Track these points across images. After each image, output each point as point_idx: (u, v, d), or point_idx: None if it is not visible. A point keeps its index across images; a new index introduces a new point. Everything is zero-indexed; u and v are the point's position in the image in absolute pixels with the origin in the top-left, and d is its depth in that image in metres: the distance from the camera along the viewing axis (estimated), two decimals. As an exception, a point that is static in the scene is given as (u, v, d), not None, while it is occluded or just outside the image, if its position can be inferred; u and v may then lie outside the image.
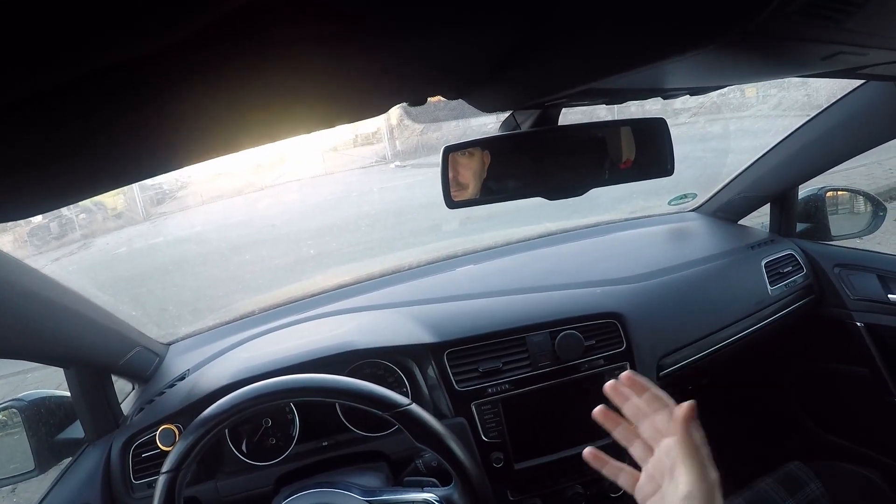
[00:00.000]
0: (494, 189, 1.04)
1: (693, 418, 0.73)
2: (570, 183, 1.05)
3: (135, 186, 10.55)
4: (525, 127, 1.03)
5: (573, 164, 1.04)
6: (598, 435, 1.60)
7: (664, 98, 0.95)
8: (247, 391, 1.10)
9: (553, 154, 1.03)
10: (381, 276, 2.07)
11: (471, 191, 1.02)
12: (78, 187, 0.67)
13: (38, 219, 8.39)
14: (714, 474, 0.71)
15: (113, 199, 10.43)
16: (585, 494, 1.63)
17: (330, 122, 0.75)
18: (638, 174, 1.08)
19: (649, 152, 1.07)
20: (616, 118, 1.08)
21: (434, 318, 1.67)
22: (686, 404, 0.73)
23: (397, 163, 10.84)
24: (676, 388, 1.75)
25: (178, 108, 0.51)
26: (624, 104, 1.02)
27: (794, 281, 1.95)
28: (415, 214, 6.51)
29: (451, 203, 1.02)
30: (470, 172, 1.02)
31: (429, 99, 0.78)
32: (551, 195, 1.04)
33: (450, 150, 1.00)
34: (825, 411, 2.16)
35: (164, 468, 1.08)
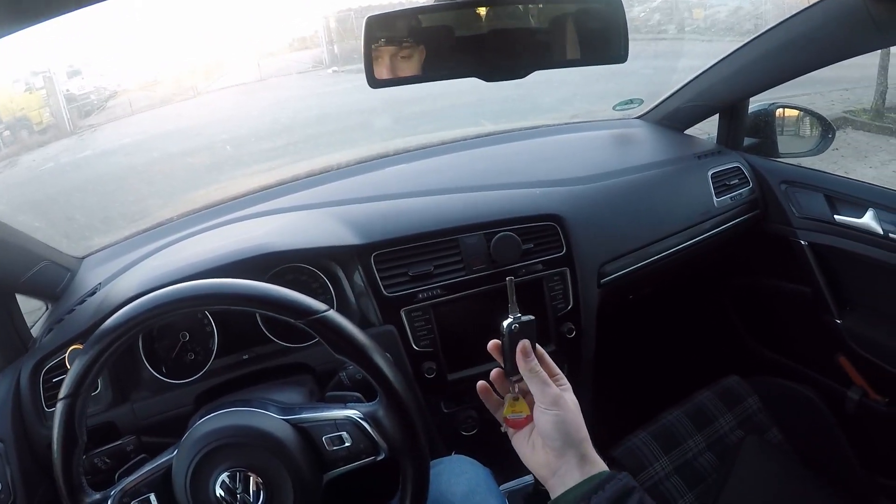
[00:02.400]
0: (423, 66, 0.93)
1: (527, 353, 0.85)
2: (511, 62, 0.94)
3: (60, 98, 10.11)
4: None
5: (516, 41, 0.94)
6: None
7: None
8: (142, 303, 0.98)
9: (494, 29, 0.92)
10: (307, 176, 1.94)
11: (397, 68, 0.92)
12: None
13: None
14: (555, 389, 0.83)
15: (38, 113, 9.99)
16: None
17: None
18: (588, 58, 0.99)
19: (602, 36, 0.98)
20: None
21: (360, 218, 1.56)
22: (522, 344, 0.86)
23: (334, 68, 10.56)
24: (616, 296, 1.70)
25: None
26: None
27: (739, 194, 1.90)
28: (348, 120, 6.37)
29: (374, 81, 0.92)
30: (409, 52, 0.93)
31: None
32: (490, 75, 0.94)
33: (373, 22, 0.90)
34: (764, 327, 2.17)
35: (61, 394, 0.97)
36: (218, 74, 11.70)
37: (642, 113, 2.22)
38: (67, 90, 10.59)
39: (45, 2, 0.56)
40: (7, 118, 9.58)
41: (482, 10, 0.91)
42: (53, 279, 1.54)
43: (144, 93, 11.43)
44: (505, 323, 0.87)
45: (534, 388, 0.84)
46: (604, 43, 0.97)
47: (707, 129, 2.16)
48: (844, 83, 7.01)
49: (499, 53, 0.93)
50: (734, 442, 1.73)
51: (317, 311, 0.98)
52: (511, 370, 0.88)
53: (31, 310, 1.50)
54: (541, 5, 0.95)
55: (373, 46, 0.90)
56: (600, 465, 0.81)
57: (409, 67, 0.93)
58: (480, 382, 0.93)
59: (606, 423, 1.79)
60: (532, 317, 0.87)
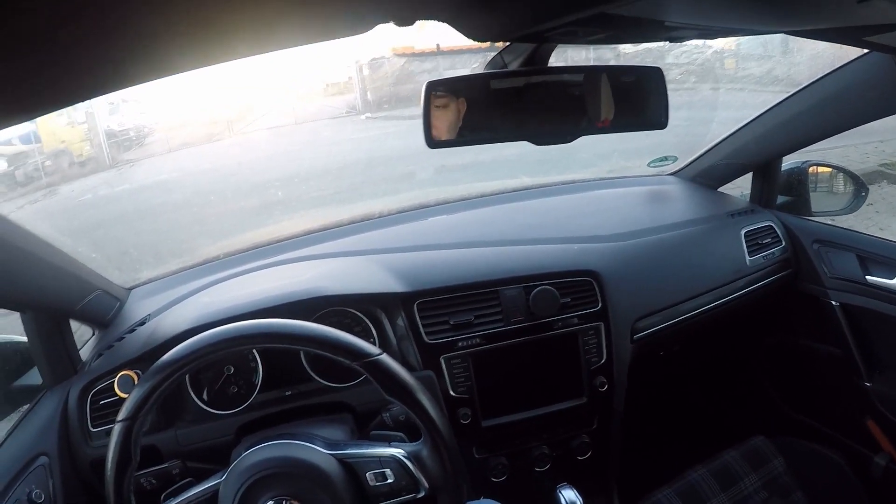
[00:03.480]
0: (477, 130, 0.99)
1: None
2: (558, 128, 1.00)
3: (101, 133, 10.39)
4: (514, 67, 0.97)
5: (563, 108, 0.99)
6: (566, 396, 1.58)
7: (670, 41, 0.90)
8: (206, 336, 1.04)
9: (542, 97, 0.97)
10: (351, 223, 2.00)
11: (452, 131, 0.97)
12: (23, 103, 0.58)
13: (2, 166, 8.22)
14: None
15: (79, 146, 10.30)
16: (551, 455, 1.61)
17: (310, 37, 0.68)
18: (630, 124, 1.04)
19: (643, 102, 1.03)
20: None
21: (405, 266, 1.61)
22: None
23: (368, 114, 10.72)
24: (648, 352, 1.72)
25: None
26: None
27: (772, 253, 1.91)
28: (386, 166, 6.45)
29: (432, 142, 0.97)
30: (449, 115, 0.97)
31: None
32: (538, 140, 0.99)
33: (432, 88, 0.95)
34: (794, 388, 2.15)
35: (120, 416, 1.03)
36: (252, 117, 11.92)
37: (676, 170, 2.24)
38: (108, 126, 10.89)
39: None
40: (49, 149, 9.87)
41: (535, 79, 0.96)
42: (104, 307, 1.60)
43: (181, 131, 11.68)
44: None
45: None
46: (646, 109, 1.02)
47: (740, 185, 2.16)
48: (879, 135, 6.96)
49: (548, 119, 0.98)
50: (758, 503, 1.72)
51: (371, 354, 1.04)
52: None
53: (79, 335, 1.55)
54: (585, 75, 1.00)
55: (431, 110, 0.95)
56: None
57: (464, 131, 0.98)
58: None
59: (632, 478, 1.79)
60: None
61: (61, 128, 10.37)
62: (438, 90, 0.96)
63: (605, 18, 0.68)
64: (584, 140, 1.03)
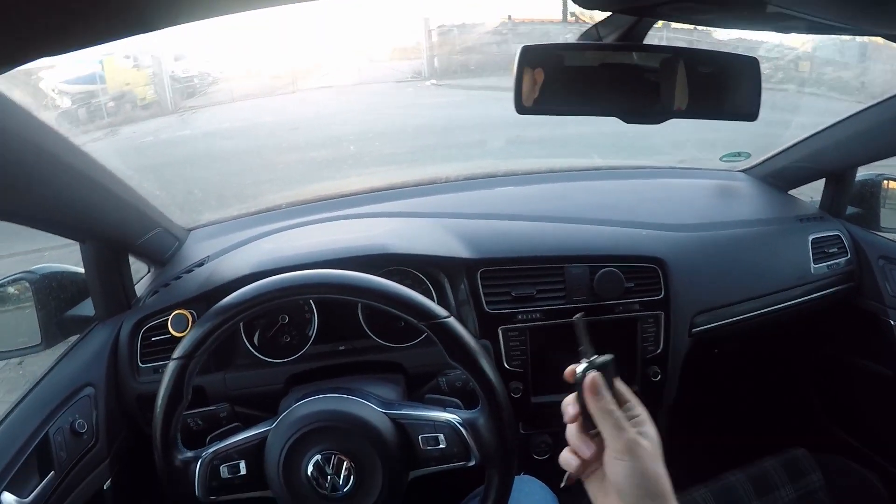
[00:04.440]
0: (568, 101, 0.98)
1: (597, 389, 0.75)
2: (650, 108, 0.98)
3: (166, 78, 10.60)
4: (609, 40, 0.96)
5: (657, 89, 0.97)
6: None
7: (778, 31, 0.87)
8: (275, 281, 1.05)
9: (635, 74, 0.97)
10: (417, 184, 2.01)
11: (542, 99, 0.96)
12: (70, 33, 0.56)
13: (66, 103, 8.41)
14: (630, 434, 0.73)
15: (143, 89, 10.50)
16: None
17: None
18: (720, 112, 1.02)
19: (735, 92, 1.00)
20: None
21: (471, 233, 1.60)
22: (590, 379, 0.75)
23: (433, 81, 10.69)
24: (704, 347, 1.69)
25: None
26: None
27: (836, 263, 1.86)
28: (457, 133, 6.43)
29: (521, 108, 0.96)
30: (539, 82, 0.96)
31: None
32: (628, 117, 0.97)
33: (527, 52, 0.94)
34: (841, 404, 2.11)
35: (176, 354, 1.04)
36: (317, 74, 11.99)
37: (748, 167, 2.19)
38: (173, 71, 11.09)
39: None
40: (113, 90, 10.06)
41: (632, 55, 0.96)
42: (164, 245, 1.63)
43: (245, 82, 11.81)
44: (578, 370, 0.77)
45: (605, 431, 0.73)
46: (738, 100, 1.00)
47: (806, 192, 2.12)
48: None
49: (640, 98, 0.97)
50: (791, 517, 1.70)
51: (440, 316, 1.03)
52: (588, 422, 0.76)
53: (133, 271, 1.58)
54: (682, 57, 0.98)
55: (523, 75, 0.94)
56: None
57: (555, 99, 0.97)
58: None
59: (671, 472, 1.78)
60: (610, 355, 0.78)
61: (126, 70, 10.60)
62: (533, 55, 0.95)
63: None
64: (660, 126, 1.01)
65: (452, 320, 1.04)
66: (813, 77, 8.66)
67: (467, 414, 1.08)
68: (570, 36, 0.99)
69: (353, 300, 1.09)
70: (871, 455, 1.94)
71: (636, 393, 0.81)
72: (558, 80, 0.97)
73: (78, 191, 1.21)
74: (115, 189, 1.33)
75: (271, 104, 10.32)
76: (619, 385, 0.78)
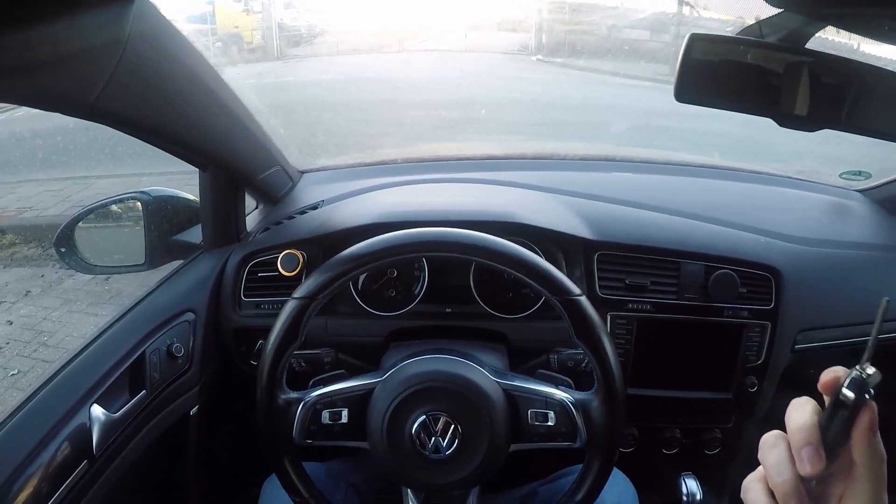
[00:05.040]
0: (728, 96, 0.97)
1: (875, 429, 0.50)
2: (805, 115, 0.94)
3: (274, 24, 10.83)
4: (771, 40, 0.94)
5: (814, 96, 0.93)
6: (714, 387, 1.52)
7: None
8: (412, 234, 1.04)
9: (796, 77, 0.93)
10: (535, 157, 1.99)
11: (703, 88, 0.96)
12: None
13: None
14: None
15: (250, 34, 10.73)
16: (681, 441, 1.58)
17: None
18: (875, 130, 0.97)
19: (893, 110, 0.95)
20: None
21: (591, 214, 1.58)
22: (869, 405, 0.50)
23: (539, 56, 10.56)
24: (804, 366, 1.63)
25: None
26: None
27: None
28: (572, 112, 6.36)
29: (681, 95, 0.95)
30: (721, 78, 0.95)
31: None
32: (783, 121, 0.95)
33: (694, 39, 0.93)
34: None
35: (298, 293, 1.04)
36: (424, 36, 12.00)
37: (864, 188, 2.08)
38: (281, 19, 11.29)
39: None
40: (223, 32, 10.32)
41: (794, 58, 0.93)
42: (280, 184, 1.64)
43: (351, 37, 11.92)
44: (846, 381, 0.51)
45: (866, 491, 0.50)
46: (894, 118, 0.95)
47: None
48: None
49: (799, 104, 0.94)
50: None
51: (573, 293, 1.02)
52: (834, 451, 0.51)
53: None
54: (848, 68, 0.94)
55: (689, 62, 0.93)
56: None
57: (717, 92, 0.97)
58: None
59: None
60: (880, 373, 0.51)
61: (237, 14, 10.85)
62: (700, 44, 0.93)
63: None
64: (789, 133, 0.97)
65: (585, 299, 1.03)
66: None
67: (581, 395, 1.07)
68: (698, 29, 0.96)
69: (490, 265, 1.05)
70: None
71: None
72: (721, 74, 0.95)
73: (215, 115, 1.23)
74: (247, 121, 1.36)
75: (376, 61, 10.38)
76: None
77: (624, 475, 1.39)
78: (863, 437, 0.49)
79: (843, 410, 0.50)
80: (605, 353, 1.02)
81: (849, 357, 1.33)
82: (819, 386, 0.53)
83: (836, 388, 0.51)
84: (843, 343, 1.60)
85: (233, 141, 1.35)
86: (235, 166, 1.43)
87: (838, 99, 0.94)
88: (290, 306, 1.04)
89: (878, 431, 0.50)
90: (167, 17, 0.97)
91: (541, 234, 1.47)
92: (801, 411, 0.53)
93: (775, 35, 0.94)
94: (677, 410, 1.55)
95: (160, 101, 1.05)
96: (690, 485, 1.45)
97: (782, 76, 0.94)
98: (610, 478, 1.29)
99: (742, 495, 0.57)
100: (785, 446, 0.53)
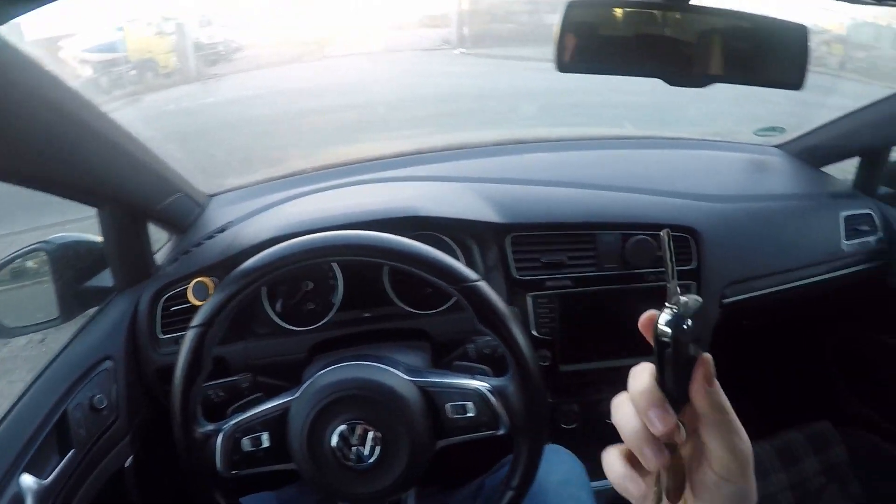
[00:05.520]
0: (610, 60, 0.96)
1: (712, 378, 0.50)
2: (692, 70, 0.96)
3: (189, 45, 10.62)
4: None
5: (699, 51, 0.95)
6: (647, 350, 1.57)
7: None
8: (297, 243, 1.02)
9: (680, 34, 0.94)
10: (446, 149, 1.99)
11: (583, 56, 0.95)
12: None
13: (87, 72, 8.43)
14: (746, 445, 0.50)
15: (165, 57, 10.48)
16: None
17: None
18: (765, 78, 0.99)
19: (782, 58, 0.98)
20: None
21: (500, 198, 1.58)
22: (703, 358, 0.50)
23: (462, 49, 10.62)
24: (733, 320, 1.68)
25: None
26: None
27: (867, 241, 1.84)
28: (487, 102, 6.41)
29: (562, 65, 0.94)
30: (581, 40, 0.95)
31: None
32: (671, 79, 0.96)
33: (571, 7, 0.92)
34: (865, 381, 2.10)
35: (195, 321, 1.02)
36: (345, 40, 11.94)
37: (781, 143, 2.17)
38: (197, 38, 11.08)
39: None
40: (135, 59, 10.06)
41: (677, 15, 0.94)
42: (185, 211, 1.58)
43: (270, 49, 11.79)
44: (661, 319, 0.50)
45: (715, 439, 0.50)
46: (784, 66, 0.98)
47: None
48: None
49: (685, 60, 0.95)
50: (815, 488, 1.70)
51: (470, 279, 1.01)
52: (679, 394, 0.50)
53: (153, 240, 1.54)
54: (727, 20, 0.96)
55: (566, 31, 0.93)
56: None
57: (598, 57, 0.96)
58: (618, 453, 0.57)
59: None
60: (699, 299, 0.52)
61: (149, 38, 10.60)
62: (578, 12, 0.93)
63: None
64: (696, 96, 1.00)
65: (483, 283, 1.02)
66: (846, 60, 8.57)
67: (497, 381, 1.06)
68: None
69: (380, 262, 1.05)
70: (893, 430, 1.94)
71: None
72: (602, 38, 0.95)
73: (95, 152, 1.17)
74: (134, 151, 1.29)
75: (297, 71, 10.29)
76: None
77: (569, 452, 1.38)
78: (700, 390, 0.49)
79: (668, 350, 0.49)
80: (511, 335, 1.01)
81: (778, 304, 1.40)
82: (640, 327, 0.53)
83: (653, 327, 0.50)
84: (771, 292, 1.67)
85: (120, 174, 1.28)
86: (129, 200, 1.37)
87: (728, 52, 0.96)
88: (188, 336, 1.02)
89: (716, 381, 0.50)
90: (21, 49, 0.89)
91: (448, 225, 1.46)
92: (638, 378, 0.53)
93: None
94: (615, 379, 1.56)
95: (26, 144, 0.98)
96: None
97: (665, 34, 0.95)
98: (555, 456, 1.29)
99: (603, 461, 0.59)
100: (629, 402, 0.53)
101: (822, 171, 2.08)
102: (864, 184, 1.99)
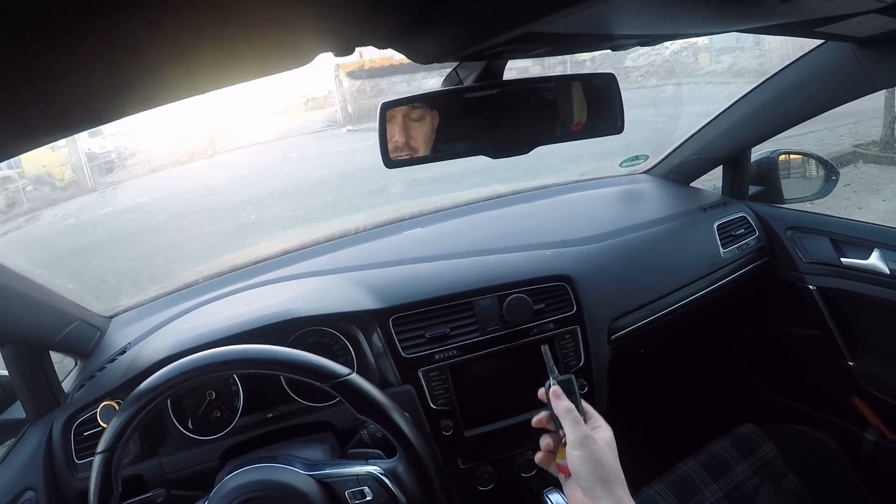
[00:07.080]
0: (434, 147, 0.99)
1: (559, 395, 0.91)
2: (514, 141, 1.00)
3: (82, 156, 10.43)
4: (468, 82, 0.98)
5: (519, 121, 0.99)
6: (541, 404, 1.59)
7: (613, 49, 0.91)
8: (179, 365, 1.04)
9: (497, 110, 0.98)
10: (327, 241, 2.00)
11: (410, 150, 0.98)
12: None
13: None
14: (584, 429, 0.87)
15: (60, 170, 10.30)
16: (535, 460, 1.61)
17: (249, 74, 0.68)
18: (587, 132, 1.04)
19: (599, 109, 1.04)
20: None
21: (379, 283, 1.61)
22: (553, 389, 0.93)
23: (349, 127, 10.77)
24: (628, 351, 1.73)
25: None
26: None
27: (746, 243, 1.93)
28: (366, 177, 6.49)
29: (389, 162, 0.98)
30: (420, 134, 0.99)
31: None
32: (495, 153, 1.00)
33: (388, 107, 0.96)
34: (777, 374, 2.18)
35: (100, 448, 1.02)
36: (234, 135, 11.96)
37: (648, 168, 2.26)
38: (89, 149, 10.93)
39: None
40: (31, 174, 9.87)
41: (484, 94, 0.97)
42: (85, 338, 1.59)
43: (162, 151, 11.71)
44: (545, 386, 0.94)
45: (566, 427, 0.88)
46: (602, 116, 1.03)
47: (717, 181, 2.19)
48: (853, 117, 7.03)
49: (502, 133, 0.99)
50: (750, 490, 1.74)
51: (340, 375, 1.05)
52: (558, 422, 0.91)
53: (63, 367, 1.55)
54: (536, 87, 1.01)
55: (386, 129, 0.96)
56: None
57: (421, 149, 0.99)
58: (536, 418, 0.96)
59: (626, 473, 1.80)
60: (570, 375, 0.94)
61: (42, 152, 10.38)
62: (392, 109, 0.97)
63: (537, 36, 0.68)
64: (553, 147, 1.04)
65: (354, 376, 1.06)
66: (714, 67, 9.01)
67: (387, 463, 1.09)
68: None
69: (254, 372, 1.08)
70: (818, 414, 2.01)
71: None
72: (423, 129, 0.98)
73: None
74: (25, 290, 1.30)
75: (190, 171, 10.24)
76: (585, 404, 0.94)
77: None
78: (554, 400, 0.91)
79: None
80: (388, 418, 1.05)
81: (669, 325, 1.46)
82: (539, 395, 0.96)
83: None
84: (658, 317, 1.72)
85: (13, 315, 1.29)
86: (27, 337, 1.38)
87: (543, 116, 1.01)
88: (95, 463, 1.02)
89: (562, 394, 0.91)
90: None
91: (329, 319, 1.48)
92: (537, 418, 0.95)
93: (471, 76, 0.98)
94: (521, 434, 1.58)
95: None
96: (555, 499, 1.49)
97: (479, 114, 0.98)
98: None
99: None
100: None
101: (692, 187, 2.18)
102: (733, 188, 2.10)
